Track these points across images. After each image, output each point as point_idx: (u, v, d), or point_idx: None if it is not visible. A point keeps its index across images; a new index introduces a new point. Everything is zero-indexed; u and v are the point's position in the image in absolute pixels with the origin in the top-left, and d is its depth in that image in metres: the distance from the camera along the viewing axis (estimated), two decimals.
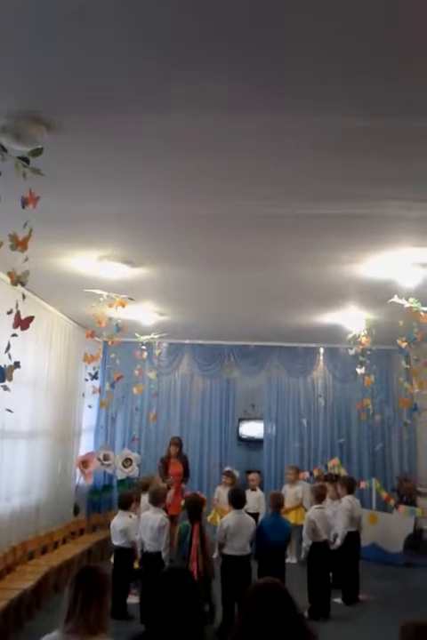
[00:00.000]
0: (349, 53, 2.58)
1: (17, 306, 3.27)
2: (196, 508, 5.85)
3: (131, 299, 6.53)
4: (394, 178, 3.80)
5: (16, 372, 3.43)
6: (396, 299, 5.91)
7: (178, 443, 8.95)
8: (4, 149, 2.95)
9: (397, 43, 2.51)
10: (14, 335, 3.29)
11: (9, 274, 3.24)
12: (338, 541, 6.94)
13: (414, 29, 2.41)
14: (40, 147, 3.01)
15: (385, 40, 2.49)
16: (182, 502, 6.64)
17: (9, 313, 3.26)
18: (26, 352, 6.65)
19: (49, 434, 8.02)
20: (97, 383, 6.87)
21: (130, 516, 6.45)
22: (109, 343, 7.05)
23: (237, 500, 6.09)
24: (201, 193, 4.12)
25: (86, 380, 7.25)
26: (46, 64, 2.71)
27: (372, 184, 3.90)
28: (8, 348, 3.19)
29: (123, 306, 6.44)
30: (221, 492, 8.83)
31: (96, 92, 2.92)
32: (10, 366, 3.24)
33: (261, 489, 9.31)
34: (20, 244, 3.11)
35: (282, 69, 2.70)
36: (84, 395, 7.63)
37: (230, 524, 5.87)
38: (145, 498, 6.48)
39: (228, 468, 9.58)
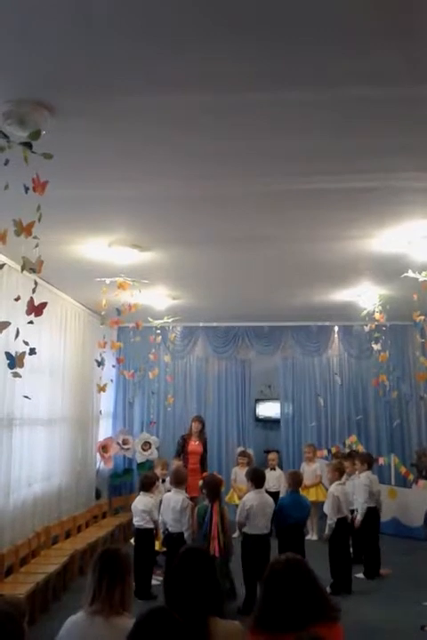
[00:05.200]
0: (349, 20, 2.52)
1: (33, 292, 3.30)
2: (214, 488, 5.89)
3: (128, 278, 6.50)
4: (403, 149, 3.73)
5: (32, 359, 3.47)
6: (410, 273, 5.86)
7: (200, 420, 8.98)
8: (6, 136, 2.95)
9: (400, 7, 2.45)
10: (30, 322, 3.32)
11: (24, 260, 3.24)
12: (359, 517, 6.97)
13: None
14: (39, 129, 2.99)
15: (387, 5, 2.43)
16: (200, 482, 6.68)
17: (16, 299, 3.28)
18: (41, 339, 6.72)
19: (68, 420, 8.12)
20: (103, 370, 6.89)
21: (151, 497, 6.51)
22: (109, 325, 7.06)
23: (258, 480, 6.12)
24: (208, 173, 4.09)
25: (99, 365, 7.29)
26: (47, 48, 2.70)
27: (380, 156, 3.84)
28: (17, 334, 3.22)
29: (124, 288, 6.44)
30: (238, 472, 8.96)
31: (98, 75, 2.90)
32: (21, 353, 3.27)
33: (281, 468, 9.38)
34: (24, 230, 3.11)
35: (281, 43, 2.65)
36: (112, 381, 7.67)
37: (253, 504, 5.91)
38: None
39: (242, 448, 9.66)
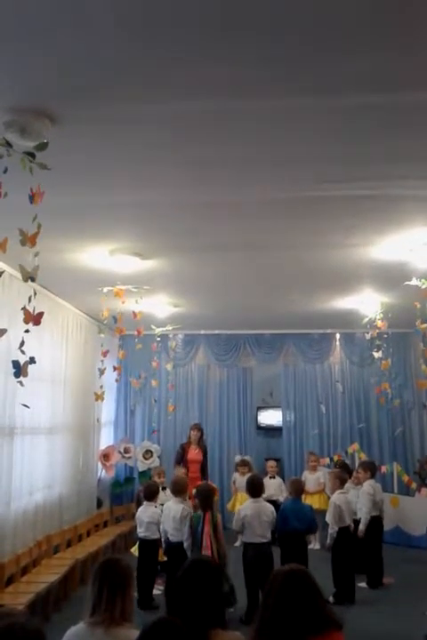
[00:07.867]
0: (350, 27, 2.52)
1: (29, 301, 3.31)
2: (206, 497, 5.87)
3: (129, 286, 6.49)
4: (405, 156, 3.74)
5: (34, 368, 3.47)
6: (414, 281, 5.85)
7: (199, 428, 8.96)
8: (9, 145, 2.97)
9: (400, 14, 2.44)
10: (27, 331, 3.32)
11: (21, 269, 3.25)
12: (361, 527, 6.91)
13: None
14: (45, 141, 3.01)
15: (388, 11, 2.43)
16: (193, 491, 6.65)
17: (22, 308, 3.29)
18: (42, 348, 6.71)
19: (69, 428, 8.10)
20: (101, 378, 6.87)
21: (155, 507, 6.49)
22: (116, 333, 7.07)
23: (254, 489, 6.12)
24: (208, 181, 4.09)
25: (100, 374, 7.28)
26: (47, 57, 2.70)
27: (382, 164, 3.84)
28: (22, 344, 3.22)
29: (120, 296, 6.44)
30: (238, 478, 8.98)
31: (98, 82, 2.91)
32: (25, 362, 3.27)
33: (282, 476, 9.35)
34: (28, 240, 3.13)
35: (282, 49, 2.66)
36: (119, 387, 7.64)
37: (247, 513, 5.92)
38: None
39: (241, 457, 9.64)
